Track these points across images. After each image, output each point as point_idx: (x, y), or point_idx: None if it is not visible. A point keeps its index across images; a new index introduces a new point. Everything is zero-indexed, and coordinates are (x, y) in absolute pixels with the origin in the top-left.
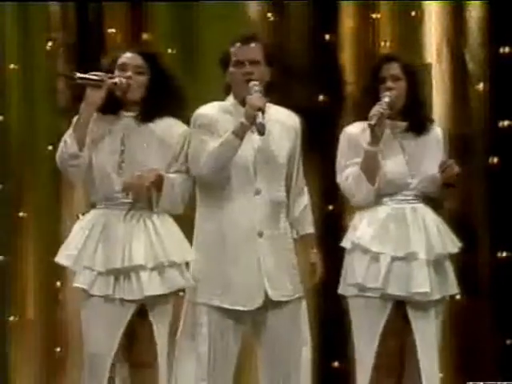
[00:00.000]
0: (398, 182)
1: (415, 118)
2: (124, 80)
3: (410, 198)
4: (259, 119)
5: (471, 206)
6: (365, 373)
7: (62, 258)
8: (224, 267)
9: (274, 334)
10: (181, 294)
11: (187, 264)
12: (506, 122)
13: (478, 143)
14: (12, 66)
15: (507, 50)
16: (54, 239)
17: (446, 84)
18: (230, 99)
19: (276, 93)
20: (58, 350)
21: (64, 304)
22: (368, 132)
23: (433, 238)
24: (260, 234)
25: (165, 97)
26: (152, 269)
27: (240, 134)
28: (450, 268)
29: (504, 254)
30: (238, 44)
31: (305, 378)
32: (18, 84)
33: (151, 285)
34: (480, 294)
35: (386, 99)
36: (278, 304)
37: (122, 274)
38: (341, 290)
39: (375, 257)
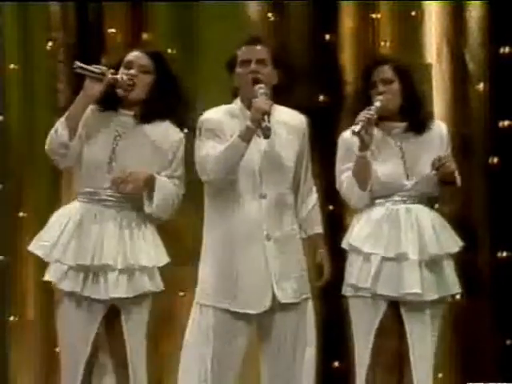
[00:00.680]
0: (392, 185)
1: (414, 117)
2: (126, 77)
3: (406, 198)
4: (265, 122)
5: (471, 205)
6: (361, 371)
7: (36, 247)
8: (232, 270)
9: (279, 335)
10: (181, 294)
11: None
12: (506, 122)
13: (478, 143)
14: (12, 66)
15: (507, 49)
16: None
17: (446, 84)
18: (237, 102)
19: (282, 94)
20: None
21: None
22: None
23: (427, 238)
24: (268, 237)
25: (169, 98)
26: (121, 270)
27: (246, 137)
28: (449, 268)
29: (504, 254)
30: (245, 46)
31: (308, 378)
32: (17, 84)
33: (117, 287)
34: (480, 294)
35: (378, 104)
36: (286, 306)
37: (90, 271)
38: (343, 290)
39: (367, 257)
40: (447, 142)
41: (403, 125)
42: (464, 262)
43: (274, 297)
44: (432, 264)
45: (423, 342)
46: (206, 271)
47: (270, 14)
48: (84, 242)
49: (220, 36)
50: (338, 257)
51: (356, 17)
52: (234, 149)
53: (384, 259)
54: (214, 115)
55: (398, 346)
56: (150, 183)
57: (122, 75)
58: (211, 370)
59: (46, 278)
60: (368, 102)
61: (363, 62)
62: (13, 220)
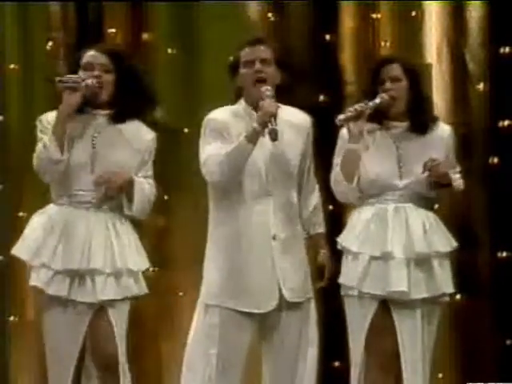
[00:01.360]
0: (382, 183)
1: (417, 117)
2: (94, 81)
3: (397, 198)
4: (272, 125)
5: (471, 205)
6: (354, 370)
7: (20, 251)
8: (239, 270)
9: (283, 335)
10: (180, 294)
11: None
12: (506, 122)
13: (478, 143)
14: (12, 66)
15: (507, 49)
16: None
17: (446, 84)
18: (242, 103)
19: (283, 94)
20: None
21: None
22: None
23: (415, 237)
24: (274, 237)
25: (134, 97)
26: (109, 274)
27: (253, 139)
28: (441, 267)
29: (504, 254)
30: (248, 46)
31: (310, 378)
32: (17, 84)
33: (106, 289)
34: (480, 293)
35: (377, 100)
36: (292, 305)
37: (78, 275)
38: (341, 291)
39: (356, 257)
40: (449, 146)
41: (404, 124)
42: (464, 262)
43: (280, 296)
44: (421, 263)
45: (413, 341)
46: (211, 271)
47: (270, 14)
48: (71, 246)
49: (220, 36)
50: (338, 257)
51: (356, 17)
52: (240, 150)
53: (371, 258)
54: (219, 115)
55: (393, 346)
56: (129, 185)
57: (90, 80)
58: (216, 369)
59: (32, 283)
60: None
61: (363, 62)
62: (13, 220)
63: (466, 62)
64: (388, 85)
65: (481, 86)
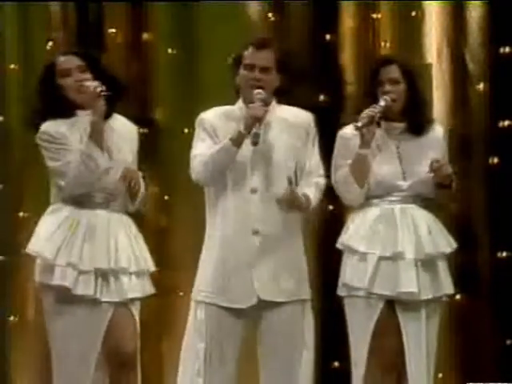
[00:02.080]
0: (387, 184)
1: (414, 119)
2: (95, 83)
3: (401, 198)
4: (255, 129)
5: (471, 205)
6: (359, 371)
7: (41, 250)
8: (219, 265)
9: (272, 335)
10: (181, 294)
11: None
12: (506, 122)
13: (478, 143)
14: (12, 66)
15: (507, 49)
16: None
17: (446, 84)
18: (239, 103)
19: (282, 96)
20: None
21: None
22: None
23: (422, 238)
24: (255, 232)
25: (110, 90)
26: (132, 273)
27: (237, 142)
28: (443, 268)
29: (504, 254)
30: (252, 48)
31: (305, 381)
32: (18, 84)
33: (132, 288)
34: (480, 293)
35: (382, 103)
36: (275, 304)
37: (103, 274)
38: (338, 291)
39: (363, 257)
40: (444, 147)
41: (402, 125)
42: (464, 262)
43: (258, 294)
44: (427, 264)
45: (418, 342)
46: (201, 268)
47: (270, 14)
48: (96, 246)
49: (220, 36)
50: (338, 257)
51: (356, 17)
52: (224, 152)
53: (380, 259)
54: (210, 115)
55: (396, 346)
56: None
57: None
58: (204, 364)
59: (57, 282)
60: (374, 101)
61: (363, 62)
62: (13, 220)
63: (466, 62)
64: (388, 87)
65: (481, 86)
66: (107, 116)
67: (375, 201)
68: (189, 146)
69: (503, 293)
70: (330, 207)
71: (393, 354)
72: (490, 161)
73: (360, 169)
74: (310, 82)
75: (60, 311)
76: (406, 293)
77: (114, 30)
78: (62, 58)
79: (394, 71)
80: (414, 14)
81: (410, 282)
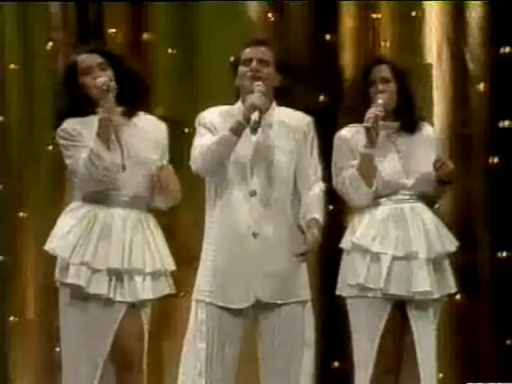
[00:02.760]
0: (394, 183)
1: (407, 117)
2: (104, 79)
3: (408, 197)
4: (254, 117)
5: (471, 205)
6: (365, 373)
7: (57, 248)
8: (220, 266)
9: (271, 335)
10: (181, 294)
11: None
12: (506, 122)
13: (478, 143)
14: (12, 66)
15: (507, 49)
16: None
17: (446, 84)
18: (238, 103)
19: (282, 97)
20: (58, 349)
21: None
22: (362, 134)
23: (432, 237)
24: (254, 235)
25: (135, 89)
26: (146, 274)
27: (237, 131)
28: (448, 267)
29: (504, 254)
30: (249, 45)
31: (306, 380)
32: (18, 84)
33: (145, 289)
34: (480, 293)
35: (380, 101)
36: (273, 306)
37: (116, 274)
38: (339, 291)
39: (376, 257)
40: (436, 144)
41: (396, 124)
42: (464, 262)
43: (257, 295)
44: (435, 263)
45: (428, 341)
46: (201, 267)
47: (270, 14)
48: (111, 245)
49: (220, 36)
50: (339, 257)
51: (356, 17)
52: (225, 141)
53: (394, 258)
54: (209, 114)
55: (395, 347)
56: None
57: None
58: (205, 364)
59: (70, 280)
60: (367, 100)
61: (363, 62)
62: (13, 220)
63: (465, 62)
64: (380, 86)
65: (481, 86)
66: (130, 114)
67: (383, 200)
68: (189, 146)
69: (503, 293)
70: (331, 207)
71: (393, 354)
72: (490, 161)
73: (367, 169)
74: (310, 82)
75: (73, 309)
76: (421, 292)
77: (113, 30)
78: (82, 56)
79: (385, 71)
80: (413, 14)
81: (423, 282)
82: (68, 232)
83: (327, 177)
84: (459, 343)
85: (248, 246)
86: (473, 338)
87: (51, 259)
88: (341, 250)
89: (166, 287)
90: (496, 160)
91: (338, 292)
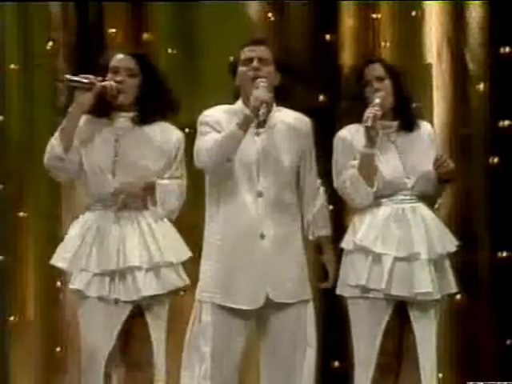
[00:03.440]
0: (395, 183)
1: (405, 115)
2: (114, 84)
3: (409, 197)
4: (262, 110)
5: (471, 205)
6: (366, 374)
7: (58, 260)
8: (227, 267)
9: (277, 335)
10: (181, 293)
11: (184, 263)
12: (506, 122)
13: (478, 143)
14: (12, 66)
15: (507, 49)
16: (54, 239)
17: (446, 84)
18: (239, 103)
19: (282, 96)
20: (58, 349)
21: (64, 304)
22: (361, 134)
23: (434, 238)
24: (262, 236)
25: (160, 99)
26: (147, 269)
27: (243, 125)
28: (448, 267)
29: (504, 254)
30: (247, 46)
31: (308, 379)
32: (18, 84)
33: (147, 285)
34: (480, 293)
35: (377, 100)
36: (282, 305)
37: (117, 274)
38: (339, 290)
39: (377, 258)
40: (435, 141)
41: (395, 123)
42: (464, 262)
43: (267, 295)
44: (436, 263)
45: (429, 341)
46: (205, 267)
47: (270, 14)
48: (106, 248)
49: (220, 36)
50: (339, 257)
51: (356, 17)
52: (231, 136)
53: (396, 259)
54: (213, 112)
55: (394, 347)
56: (150, 190)
57: (109, 83)
58: (211, 367)
59: (74, 286)
60: (363, 100)
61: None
62: (13, 220)
63: (466, 61)
64: (376, 84)
65: (481, 86)
66: (140, 121)
67: (383, 200)
68: (189, 146)
69: (503, 293)
70: (330, 207)
71: (393, 354)
72: (490, 161)
73: (368, 169)
74: (310, 82)
75: (82, 311)
76: (422, 293)
77: (113, 30)
78: (118, 56)
79: (378, 69)
80: (413, 13)
81: (425, 283)
82: (67, 243)
83: (327, 176)
84: (459, 343)
85: (256, 247)
86: (473, 338)
87: (51, 259)
88: (341, 250)
89: (174, 280)
90: (496, 160)
91: (338, 291)
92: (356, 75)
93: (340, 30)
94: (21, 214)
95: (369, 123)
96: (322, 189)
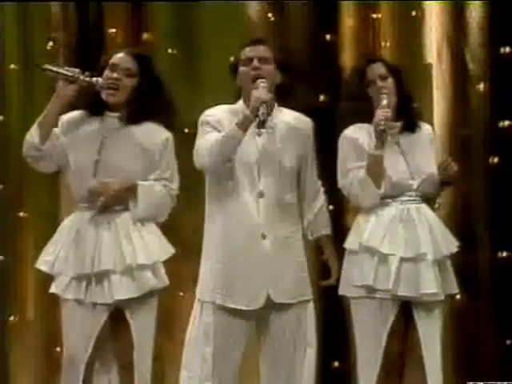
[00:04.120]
0: (401, 184)
1: (408, 116)
2: (100, 80)
3: (414, 198)
4: (262, 110)
5: (471, 206)
6: (370, 374)
7: (41, 263)
8: (227, 267)
9: (277, 335)
10: (181, 294)
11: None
12: (506, 122)
13: (478, 143)
14: (12, 66)
15: (507, 49)
16: None
17: (446, 84)
18: (240, 103)
19: (283, 96)
20: (58, 349)
21: None
22: (366, 134)
23: (438, 238)
24: (263, 236)
25: (153, 101)
26: (122, 272)
27: (243, 126)
28: (450, 268)
29: (504, 254)
30: (248, 46)
31: (309, 379)
32: (18, 84)
33: (121, 288)
34: (480, 293)
35: (385, 102)
36: (283, 305)
37: (93, 278)
38: (342, 291)
39: (384, 258)
40: (436, 142)
41: (399, 124)
42: (464, 262)
43: (268, 296)
44: (440, 264)
45: (434, 342)
46: (205, 267)
47: (270, 14)
48: (82, 251)
49: (220, 36)
50: (340, 257)
51: (356, 17)
52: (231, 136)
53: (402, 260)
54: (215, 112)
55: (400, 348)
56: (131, 191)
57: (96, 78)
58: (212, 367)
59: (52, 290)
60: (368, 100)
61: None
62: (13, 220)
63: (466, 61)
64: (379, 83)
65: (481, 86)
66: (133, 122)
67: (388, 201)
68: (189, 146)
69: (503, 293)
70: (330, 207)
71: (397, 355)
72: (490, 161)
73: (377, 170)
74: (310, 82)
75: (64, 314)
76: (429, 294)
77: (113, 30)
78: (118, 54)
79: (380, 68)
80: (414, 13)
81: (431, 283)
82: (49, 246)
83: (327, 176)
84: (459, 343)
85: (257, 248)
86: (473, 338)
87: None
88: (341, 250)
89: (151, 282)
90: (496, 160)
91: (340, 292)
92: (358, 75)
93: (340, 30)
94: (21, 213)
95: (382, 126)
96: (322, 189)
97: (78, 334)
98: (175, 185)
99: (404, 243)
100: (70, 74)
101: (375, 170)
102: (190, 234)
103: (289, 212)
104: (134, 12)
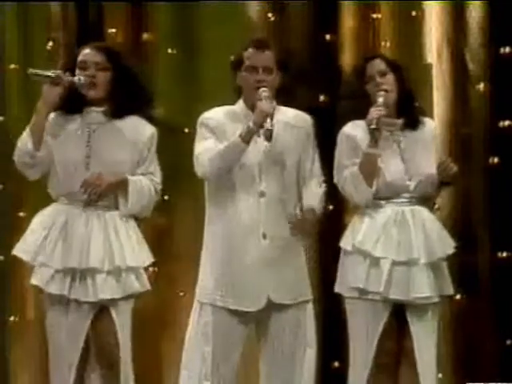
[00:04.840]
0: (397, 184)
1: (409, 112)
2: (82, 78)
3: (410, 199)
4: (267, 125)
5: (471, 206)
6: (361, 375)
7: (20, 251)
8: (228, 268)
9: (276, 335)
10: (181, 294)
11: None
12: (506, 122)
13: (478, 143)
14: (12, 66)
15: (507, 50)
16: None
17: (446, 84)
18: (240, 103)
19: (283, 95)
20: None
21: None
22: (365, 133)
23: (433, 241)
24: (264, 236)
25: (134, 93)
26: (108, 272)
27: (246, 138)
28: (445, 268)
29: (504, 254)
30: (253, 49)
31: (308, 379)
32: (18, 84)
33: (106, 288)
34: (480, 293)
35: (381, 100)
36: (282, 306)
37: (77, 274)
38: (338, 289)
39: (375, 261)
40: (436, 140)
41: (400, 121)
42: (464, 262)
43: (269, 296)
44: (434, 266)
45: (427, 343)
46: (205, 268)
47: (270, 14)
48: (70, 245)
49: (220, 36)
50: (338, 257)
51: (356, 17)
52: (234, 148)
53: (394, 263)
54: (214, 115)
55: (395, 348)
56: (122, 186)
57: (79, 77)
58: (211, 367)
59: (33, 282)
60: (367, 97)
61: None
62: (13, 220)
63: (466, 62)
64: (378, 79)
65: (481, 86)
66: (118, 116)
67: (383, 202)
68: (189, 146)
69: (503, 293)
70: (330, 207)
71: (393, 355)
72: (490, 161)
73: (369, 168)
74: (310, 82)
75: (47, 309)
76: (421, 298)
77: (113, 30)
78: (84, 51)
79: (379, 64)
80: (414, 13)
81: (423, 287)
82: (29, 234)
83: (327, 176)
84: (459, 343)
85: (258, 247)
86: (473, 337)
87: None
88: (340, 249)
89: (135, 285)
90: (496, 160)
91: (336, 290)
92: (358, 73)
93: (340, 30)
94: (21, 213)
95: (373, 125)
96: (324, 185)
97: (68, 333)
98: (159, 178)
99: (397, 246)
100: (54, 75)
101: (368, 168)
102: (190, 234)
103: (290, 211)
104: (133, 12)
